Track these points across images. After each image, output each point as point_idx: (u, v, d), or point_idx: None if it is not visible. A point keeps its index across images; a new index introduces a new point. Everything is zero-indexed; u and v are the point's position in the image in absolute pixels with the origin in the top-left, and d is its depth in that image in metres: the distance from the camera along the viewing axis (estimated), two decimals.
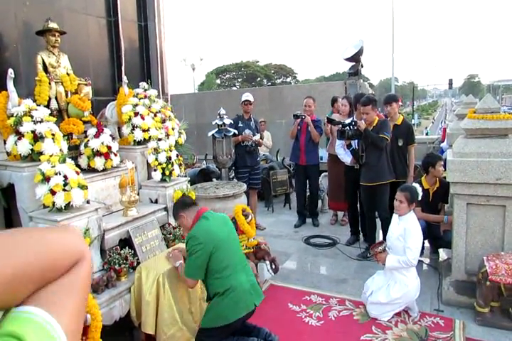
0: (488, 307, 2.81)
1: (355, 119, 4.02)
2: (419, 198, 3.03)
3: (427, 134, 27.18)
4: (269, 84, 43.25)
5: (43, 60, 3.01)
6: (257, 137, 4.92)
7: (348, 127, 3.89)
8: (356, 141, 4.03)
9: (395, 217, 3.10)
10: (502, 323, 2.76)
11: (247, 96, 4.98)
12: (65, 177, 2.37)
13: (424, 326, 2.82)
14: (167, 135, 3.44)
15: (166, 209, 3.20)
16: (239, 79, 45.02)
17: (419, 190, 3.03)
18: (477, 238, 3.04)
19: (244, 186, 4.14)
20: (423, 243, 3.95)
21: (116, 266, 2.55)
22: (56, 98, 3.01)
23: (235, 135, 4.56)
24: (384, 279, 3.05)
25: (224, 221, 2.50)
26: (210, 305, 2.37)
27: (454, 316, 2.94)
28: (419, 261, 3.87)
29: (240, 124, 4.94)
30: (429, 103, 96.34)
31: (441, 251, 3.95)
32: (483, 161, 2.88)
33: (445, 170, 3.11)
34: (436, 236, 3.79)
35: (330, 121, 4.34)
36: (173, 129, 3.59)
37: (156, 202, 3.25)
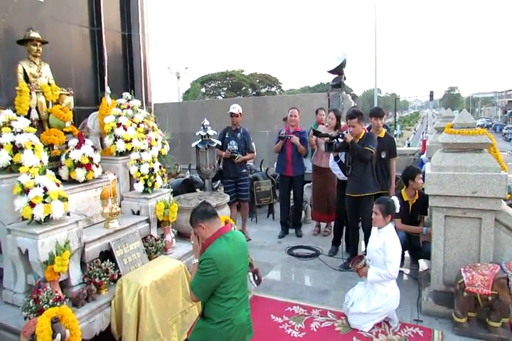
0: (466, 318, 2.86)
1: (342, 132, 4.09)
2: (397, 211, 3.10)
3: (408, 145, 27.80)
4: (254, 93, 43.57)
5: (24, 70, 2.98)
6: (238, 160, 4.80)
7: (335, 140, 3.96)
8: (344, 153, 4.10)
9: (374, 229, 3.16)
10: (478, 333, 2.81)
11: (234, 108, 4.93)
12: (45, 189, 2.34)
13: (404, 336, 2.86)
14: (150, 146, 3.43)
15: (148, 220, 3.18)
16: (224, 88, 45.19)
17: (397, 202, 3.10)
18: (455, 249, 3.12)
19: (228, 197, 4.15)
20: (403, 254, 4.03)
21: (97, 279, 2.52)
22: (37, 108, 2.98)
23: (219, 146, 4.57)
24: (364, 290, 3.09)
25: (243, 249, 2.29)
26: (202, 325, 2.22)
27: (433, 326, 2.99)
28: (400, 271, 3.93)
29: (227, 136, 4.93)
30: (410, 114, 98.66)
31: (421, 261, 4.03)
32: (460, 175, 2.97)
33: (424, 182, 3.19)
34: (416, 247, 3.86)
35: (316, 133, 4.39)
36: (156, 140, 3.58)
37: (138, 213, 3.22)
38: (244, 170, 5.02)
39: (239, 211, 5.24)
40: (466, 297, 2.80)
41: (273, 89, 47.18)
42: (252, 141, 5.14)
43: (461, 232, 3.09)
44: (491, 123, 53.70)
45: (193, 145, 4.37)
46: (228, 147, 4.87)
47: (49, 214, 2.32)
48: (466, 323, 2.86)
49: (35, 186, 2.31)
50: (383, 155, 4.18)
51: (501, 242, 3.01)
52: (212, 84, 45.51)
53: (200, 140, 4.34)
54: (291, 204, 5.42)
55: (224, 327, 2.15)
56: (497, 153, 3.81)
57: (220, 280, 2.11)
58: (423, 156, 6.25)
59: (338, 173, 4.39)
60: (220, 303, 2.14)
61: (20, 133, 2.51)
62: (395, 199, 3.14)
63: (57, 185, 2.44)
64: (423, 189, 3.34)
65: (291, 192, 5.29)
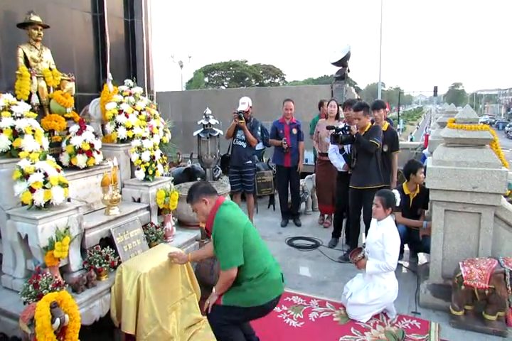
0: (463, 311, 2.88)
1: (347, 124, 4.07)
2: (397, 204, 3.10)
3: (411, 140, 27.68)
4: (258, 84, 43.28)
5: (25, 54, 2.94)
6: (242, 120, 4.66)
7: (341, 132, 3.93)
8: (349, 145, 4.08)
9: (373, 221, 3.17)
10: (475, 326, 2.84)
11: (243, 104, 4.75)
12: (45, 174, 2.32)
13: (401, 328, 2.88)
14: (151, 133, 3.41)
15: (148, 208, 3.17)
16: (227, 78, 44.91)
17: (398, 196, 3.10)
18: (454, 243, 3.12)
19: (228, 187, 4.14)
20: (403, 247, 4.05)
21: (97, 266, 2.52)
22: (38, 93, 2.94)
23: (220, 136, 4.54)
24: (363, 281, 3.10)
25: (241, 211, 2.48)
26: (240, 288, 2.29)
27: (430, 318, 3.01)
28: (399, 264, 3.95)
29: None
30: (414, 109, 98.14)
31: (420, 255, 4.04)
32: (461, 170, 2.96)
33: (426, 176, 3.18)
34: (416, 240, 3.86)
35: (328, 127, 4.33)
36: (157, 128, 3.56)
37: (139, 201, 3.21)
38: (250, 162, 4.88)
39: (243, 200, 5.23)
40: (463, 290, 2.82)
41: (276, 81, 46.87)
42: (259, 131, 5.06)
43: (460, 227, 3.09)
44: (494, 121, 53.43)
45: (195, 134, 4.34)
46: (238, 136, 4.81)
47: (49, 200, 2.31)
48: (462, 316, 2.88)
49: (36, 171, 2.30)
50: (385, 149, 4.16)
51: (500, 237, 3.01)
52: (216, 74, 45.23)
53: (202, 129, 4.31)
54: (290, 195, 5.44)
55: (262, 278, 2.26)
56: (499, 149, 3.79)
57: (241, 232, 2.23)
58: (425, 151, 6.22)
59: (338, 165, 4.39)
60: (253, 258, 2.26)
61: (20, 117, 2.48)
62: (396, 192, 3.13)
63: (58, 170, 2.43)
64: (424, 183, 3.33)
65: (289, 182, 5.30)
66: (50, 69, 3.08)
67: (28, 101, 2.82)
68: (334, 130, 4.01)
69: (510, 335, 2.75)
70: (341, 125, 4.17)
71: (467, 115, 3.15)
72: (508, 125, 44.20)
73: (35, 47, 3.01)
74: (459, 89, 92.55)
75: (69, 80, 3.18)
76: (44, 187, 2.29)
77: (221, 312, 2.32)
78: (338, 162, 4.38)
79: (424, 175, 3.62)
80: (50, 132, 2.90)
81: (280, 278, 2.40)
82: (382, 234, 2.97)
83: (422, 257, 4.03)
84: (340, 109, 5.11)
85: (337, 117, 5.06)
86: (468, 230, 3.06)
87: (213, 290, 2.39)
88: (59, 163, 2.73)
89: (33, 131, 2.52)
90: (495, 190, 2.88)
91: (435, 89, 34.54)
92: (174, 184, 3.69)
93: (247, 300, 2.27)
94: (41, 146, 2.54)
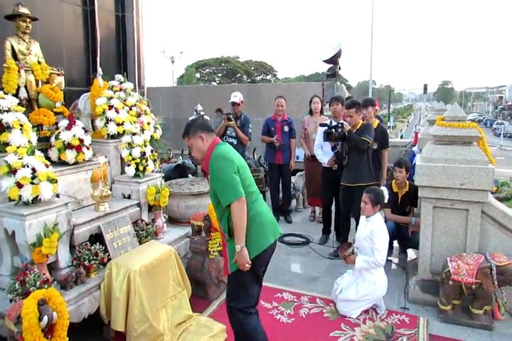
0: (450, 305, 2.93)
1: (342, 122, 4.08)
2: (386, 201, 3.12)
3: (401, 137, 27.95)
4: (249, 80, 43.14)
5: (12, 47, 2.89)
6: (231, 122, 4.79)
7: (334, 129, 3.94)
8: (340, 143, 4.10)
9: (362, 218, 3.20)
10: (462, 320, 2.89)
11: (235, 97, 4.85)
12: (33, 169, 2.29)
13: (391, 323, 2.92)
14: (142, 129, 3.38)
15: (139, 205, 3.15)
16: (219, 74, 44.65)
17: (386, 193, 3.13)
18: (442, 239, 3.16)
19: None
20: (392, 243, 4.09)
21: (86, 262, 2.50)
22: (26, 87, 2.90)
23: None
24: (353, 277, 3.13)
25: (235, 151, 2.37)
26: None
27: (419, 313, 3.05)
28: (389, 260, 3.99)
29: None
30: (404, 106, 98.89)
31: (409, 251, 4.08)
32: (449, 167, 3.00)
33: (414, 174, 3.21)
34: (405, 237, 3.90)
35: (321, 125, 4.35)
36: (148, 124, 3.53)
37: (129, 197, 3.19)
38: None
39: None
40: (451, 285, 2.86)
41: (268, 77, 46.78)
42: (250, 128, 5.07)
43: (448, 223, 3.13)
44: (482, 118, 54.23)
45: None
46: (228, 133, 4.83)
47: (37, 196, 2.28)
48: (450, 311, 2.93)
49: (23, 166, 2.26)
50: (375, 146, 4.18)
51: (486, 233, 3.06)
52: (207, 70, 44.94)
53: None
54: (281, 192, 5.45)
55: (255, 220, 2.17)
56: (486, 146, 3.84)
57: (237, 168, 2.13)
58: (415, 148, 6.28)
59: (322, 161, 4.43)
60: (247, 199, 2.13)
61: (7, 111, 2.44)
62: (384, 189, 3.17)
63: (47, 166, 2.40)
64: (413, 180, 3.37)
65: (280, 180, 5.31)
66: (39, 62, 3.03)
67: (16, 95, 2.77)
68: (327, 127, 4.02)
69: (496, 329, 2.81)
70: (334, 122, 4.19)
71: (455, 113, 3.20)
72: (495, 122, 44.96)
73: (23, 40, 2.96)
74: (448, 87, 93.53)
75: (58, 74, 3.14)
76: (32, 183, 2.26)
77: (233, 282, 2.24)
78: (323, 157, 4.43)
79: (413, 172, 3.66)
80: (38, 127, 2.86)
81: (275, 220, 2.36)
82: (371, 231, 3.00)
83: (411, 253, 4.07)
84: (327, 105, 5.15)
85: (321, 112, 5.10)
86: (456, 226, 3.11)
87: (236, 246, 2.10)
88: (47, 158, 2.70)
89: (21, 125, 2.48)
90: (482, 186, 2.92)
91: (425, 87, 34.91)
92: (165, 180, 3.68)
93: (247, 249, 2.13)
94: (29, 141, 2.51)
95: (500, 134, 33.70)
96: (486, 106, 76.16)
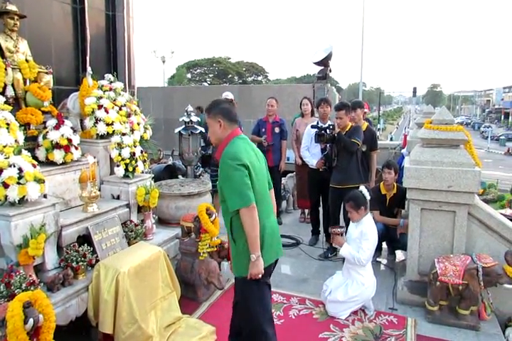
0: (438, 306, 2.96)
1: (333, 124, 4.10)
2: (368, 198, 3.12)
3: (391, 139, 28.25)
4: (241, 81, 43.16)
5: None
6: None
7: (325, 131, 3.96)
8: (329, 144, 4.12)
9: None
10: (449, 320, 2.92)
11: (226, 95, 4.86)
12: (20, 169, 2.25)
13: (379, 324, 2.94)
14: (132, 130, 3.35)
15: (128, 205, 3.13)
16: (210, 75, 44.55)
17: (365, 191, 3.13)
18: (430, 241, 3.20)
19: (209, 184, 4.12)
20: (381, 244, 4.12)
21: (74, 264, 2.47)
22: (13, 85, 2.85)
23: (202, 133, 4.52)
24: (342, 279, 3.15)
25: (258, 151, 2.24)
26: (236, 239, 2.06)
27: (407, 314, 3.08)
28: (377, 261, 4.03)
29: None
30: (394, 109, 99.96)
31: (398, 252, 4.13)
32: (437, 169, 3.04)
33: (403, 176, 3.24)
34: (393, 238, 3.94)
35: (313, 127, 4.36)
36: (138, 124, 3.50)
37: (118, 198, 3.16)
38: None
39: None
40: (438, 286, 2.89)
41: (259, 78, 46.85)
42: (242, 131, 5.07)
43: (436, 225, 3.17)
44: (470, 121, 55.12)
45: (176, 131, 4.30)
46: None
47: (24, 196, 2.24)
48: (437, 311, 2.96)
49: (10, 166, 2.23)
50: (364, 149, 4.22)
51: (473, 235, 3.10)
52: (198, 70, 44.82)
53: (184, 126, 4.27)
54: None
55: (261, 231, 2.00)
56: (472, 149, 3.90)
57: (249, 171, 1.98)
58: (404, 150, 6.35)
59: (310, 163, 4.45)
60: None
61: None
62: (363, 188, 3.17)
63: (34, 166, 2.36)
64: (401, 183, 3.40)
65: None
66: (27, 60, 2.98)
67: (3, 94, 2.73)
68: (318, 129, 4.04)
69: (482, 329, 2.85)
70: (321, 124, 4.21)
71: (443, 116, 3.24)
72: (483, 125, 45.74)
73: (11, 38, 2.92)
74: (437, 90, 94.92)
75: (46, 73, 3.09)
76: (19, 183, 2.22)
77: (244, 285, 2.11)
78: (311, 160, 4.45)
79: (401, 174, 3.69)
80: (25, 126, 2.81)
81: (278, 238, 2.22)
82: (361, 232, 3.04)
83: (399, 254, 4.12)
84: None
85: (312, 114, 5.12)
86: (443, 228, 3.15)
87: (251, 255, 1.97)
88: (35, 158, 2.66)
89: (8, 124, 2.44)
90: (469, 189, 2.97)
91: (414, 90, 35.29)
92: (155, 181, 3.65)
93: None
94: (16, 140, 2.46)
95: (487, 137, 34.31)
96: (473, 109, 77.37)
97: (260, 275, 2.03)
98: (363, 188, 3.17)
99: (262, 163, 2.22)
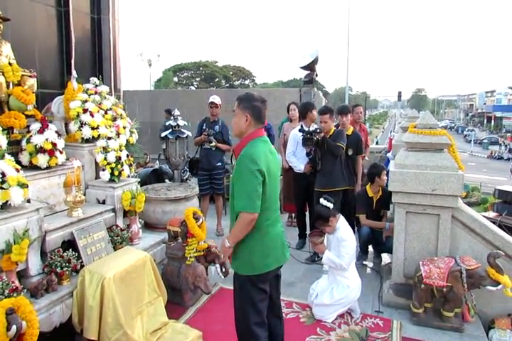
0: (423, 308, 3.00)
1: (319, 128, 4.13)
2: (331, 206, 3.10)
3: (377, 143, 28.60)
4: (228, 85, 43.17)
5: None
6: (212, 144, 4.66)
7: (311, 134, 3.99)
8: (314, 148, 4.15)
9: None
10: (434, 322, 2.96)
11: (214, 98, 4.77)
12: (3, 174, 2.22)
13: (365, 327, 2.96)
14: (118, 134, 3.33)
15: (113, 210, 3.09)
16: (197, 79, 44.44)
17: (325, 202, 3.10)
18: (414, 244, 3.25)
19: (197, 189, 4.10)
20: (367, 247, 4.16)
21: (58, 269, 2.43)
22: None
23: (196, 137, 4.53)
24: (328, 282, 3.17)
25: (276, 158, 2.23)
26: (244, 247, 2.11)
27: (393, 317, 3.11)
28: (363, 264, 4.07)
29: (204, 127, 4.77)
30: (380, 113, 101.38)
31: (383, 255, 4.17)
32: (421, 173, 3.10)
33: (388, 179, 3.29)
34: (379, 241, 3.99)
35: (301, 131, 4.37)
36: (124, 128, 3.48)
37: (104, 202, 3.13)
38: (220, 164, 4.84)
39: (211, 202, 5.18)
40: (423, 289, 2.94)
41: (246, 82, 46.91)
42: (230, 135, 5.04)
43: (421, 228, 3.22)
44: (454, 125, 56.27)
45: (163, 135, 4.28)
46: (205, 144, 4.76)
47: (7, 201, 2.21)
48: (422, 313, 3.00)
49: None
50: (350, 152, 4.27)
51: (457, 237, 3.16)
52: (185, 74, 44.65)
53: (171, 130, 4.26)
54: None
55: (264, 236, 2.11)
56: (456, 153, 3.98)
57: (262, 177, 1.99)
58: (389, 154, 6.44)
59: (298, 168, 4.46)
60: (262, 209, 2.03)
61: None
62: (321, 200, 3.15)
63: (17, 170, 2.33)
64: (386, 185, 3.45)
65: None
66: (10, 64, 2.94)
67: None
68: (304, 133, 4.06)
69: (466, 331, 2.89)
70: (306, 127, 4.24)
71: (427, 121, 3.31)
72: (466, 129, 46.76)
73: None
74: (422, 94, 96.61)
75: (30, 76, 3.05)
76: (1, 188, 2.18)
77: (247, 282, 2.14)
78: (298, 164, 4.44)
79: (387, 177, 3.75)
80: (8, 130, 2.77)
81: (283, 246, 2.30)
82: (337, 238, 3.07)
83: (385, 257, 4.16)
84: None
85: (299, 120, 5.16)
86: (428, 231, 3.20)
87: (225, 242, 2.11)
88: (18, 162, 2.61)
89: None
90: (452, 192, 3.03)
91: (399, 94, 35.95)
92: (141, 185, 3.62)
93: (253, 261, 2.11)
94: None
95: (470, 140, 35.06)
96: (457, 113, 79.03)
97: (255, 278, 2.12)
98: (321, 200, 3.15)
99: (277, 165, 2.23)
